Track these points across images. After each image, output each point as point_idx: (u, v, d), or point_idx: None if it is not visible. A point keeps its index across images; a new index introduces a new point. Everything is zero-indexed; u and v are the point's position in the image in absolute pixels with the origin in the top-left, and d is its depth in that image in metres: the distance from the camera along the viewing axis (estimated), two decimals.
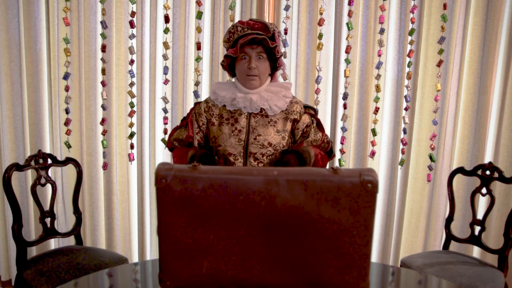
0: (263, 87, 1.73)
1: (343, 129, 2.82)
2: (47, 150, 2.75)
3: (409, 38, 2.74)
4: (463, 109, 2.82)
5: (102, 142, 2.77)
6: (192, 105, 2.80)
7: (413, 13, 2.73)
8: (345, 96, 2.80)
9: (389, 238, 2.91)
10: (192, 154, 1.66)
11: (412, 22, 2.74)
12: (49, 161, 2.31)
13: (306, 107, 1.83)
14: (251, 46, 1.67)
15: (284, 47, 2.76)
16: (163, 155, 2.89)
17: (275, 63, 1.75)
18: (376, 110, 2.81)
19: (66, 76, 2.68)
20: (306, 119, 1.79)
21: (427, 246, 2.93)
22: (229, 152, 1.68)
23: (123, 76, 2.78)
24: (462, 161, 2.82)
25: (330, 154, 1.87)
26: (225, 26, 2.73)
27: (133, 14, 2.69)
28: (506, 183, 2.27)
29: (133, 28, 2.70)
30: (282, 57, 1.86)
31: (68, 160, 2.38)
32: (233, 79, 1.82)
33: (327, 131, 2.88)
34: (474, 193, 2.37)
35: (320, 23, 2.74)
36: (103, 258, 2.17)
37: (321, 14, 2.73)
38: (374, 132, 2.83)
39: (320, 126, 1.83)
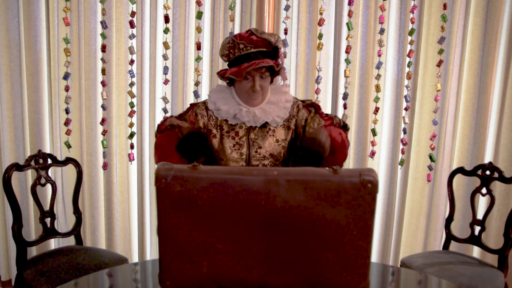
0: (265, 101, 1.71)
1: None
2: (47, 150, 2.75)
3: (409, 38, 2.74)
4: (463, 109, 2.82)
5: (102, 142, 2.77)
6: None
7: (413, 13, 2.73)
8: (345, 96, 2.80)
9: (389, 238, 2.91)
10: (188, 132, 1.56)
11: (412, 22, 2.74)
12: (49, 161, 2.31)
13: (302, 101, 1.80)
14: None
15: (284, 47, 2.76)
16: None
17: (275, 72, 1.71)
18: (376, 110, 2.81)
19: (66, 76, 2.68)
20: (304, 114, 1.75)
21: (427, 246, 2.93)
22: (231, 166, 1.66)
23: (123, 76, 2.78)
24: (462, 161, 2.82)
25: (345, 127, 1.79)
26: (225, 26, 2.73)
27: (133, 14, 2.68)
28: (506, 183, 2.26)
29: (133, 28, 2.70)
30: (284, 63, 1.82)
31: (68, 160, 2.38)
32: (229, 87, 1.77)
33: None
34: (474, 193, 2.37)
35: (320, 23, 2.74)
36: (103, 258, 2.17)
37: (321, 14, 2.73)
38: (374, 132, 2.83)
39: (319, 112, 1.76)
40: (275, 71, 1.68)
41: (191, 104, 1.84)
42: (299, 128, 1.76)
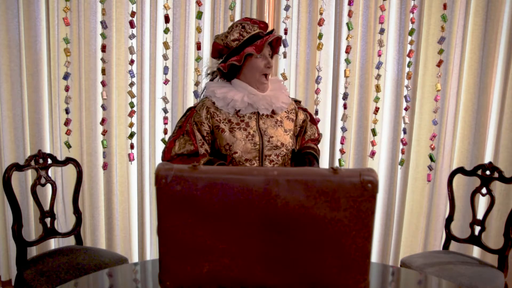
0: (269, 90, 1.74)
1: (343, 129, 2.82)
2: (47, 150, 2.75)
3: (409, 38, 2.74)
4: (463, 109, 2.82)
5: (102, 142, 2.77)
6: (191, 105, 2.80)
7: (413, 13, 2.73)
8: (345, 96, 2.80)
9: (389, 238, 2.91)
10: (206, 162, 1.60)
11: (412, 22, 2.74)
12: (49, 161, 2.31)
13: (295, 101, 1.89)
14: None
15: (284, 47, 2.76)
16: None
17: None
18: (376, 110, 2.81)
19: (66, 76, 2.68)
20: (301, 115, 1.85)
21: (427, 246, 2.93)
22: (245, 158, 1.65)
23: (123, 76, 2.78)
24: (462, 161, 2.82)
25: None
26: (225, 26, 2.73)
27: (133, 14, 2.68)
28: (506, 183, 2.26)
29: (133, 28, 2.70)
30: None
31: (68, 160, 2.38)
32: (224, 81, 1.78)
33: (327, 131, 2.88)
34: (474, 193, 2.37)
35: (320, 23, 2.74)
36: (103, 258, 2.17)
37: (321, 14, 2.73)
38: (374, 132, 2.83)
39: (312, 120, 1.91)
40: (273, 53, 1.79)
41: (188, 109, 1.80)
42: (297, 127, 1.83)
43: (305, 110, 1.90)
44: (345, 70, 2.77)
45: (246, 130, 1.67)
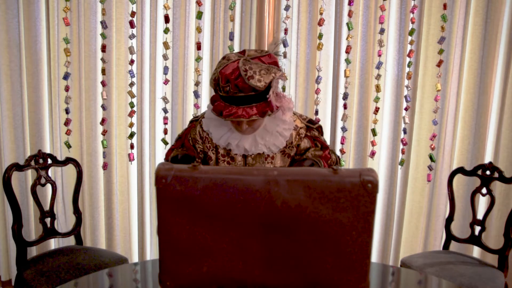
0: (260, 128, 1.60)
1: (343, 129, 2.82)
2: (47, 150, 2.75)
3: (409, 38, 2.74)
4: (463, 109, 2.82)
5: (102, 142, 2.77)
6: (191, 105, 2.81)
7: (413, 13, 2.73)
8: (345, 96, 2.80)
9: (389, 238, 2.91)
10: (174, 155, 1.59)
11: (412, 22, 2.74)
12: (49, 161, 2.31)
13: (309, 122, 1.68)
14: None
15: (285, 47, 2.76)
16: (163, 155, 2.89)
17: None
18: (376, 110, 2.81)
19: (66, 76, 2.68)
20: (305, 144, 1.66)
21: (427, 246, 2.93)
22: (231, 166, 1.63)
23: (123, 76, 2.78)
24: (462, 161, 2.82)
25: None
26: (225, 26, 2.73)
27: (133, 14, 2.68)
28: (506, 183, 2.26)
29: (133, 28, 2.70)
30: (282, 91, 1.70)
31: (68, 160, 2.38)
32: None
33: (327, 131, 2.88)
34: (474, 193, 2.37)
35: (320, 23, 2.74)
36: (103, 258, 2.17)
37: (321, 14, 2.73)
38: (374, 132, 2.83)
39: (324, 146, 1.68)
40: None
41: (190, 121, 1.78)
42: (297, 156, 1.67)
43: (316, 138, 1.67)
44: (345, 70, 2.77)
45: (230, 164, 1.64)
